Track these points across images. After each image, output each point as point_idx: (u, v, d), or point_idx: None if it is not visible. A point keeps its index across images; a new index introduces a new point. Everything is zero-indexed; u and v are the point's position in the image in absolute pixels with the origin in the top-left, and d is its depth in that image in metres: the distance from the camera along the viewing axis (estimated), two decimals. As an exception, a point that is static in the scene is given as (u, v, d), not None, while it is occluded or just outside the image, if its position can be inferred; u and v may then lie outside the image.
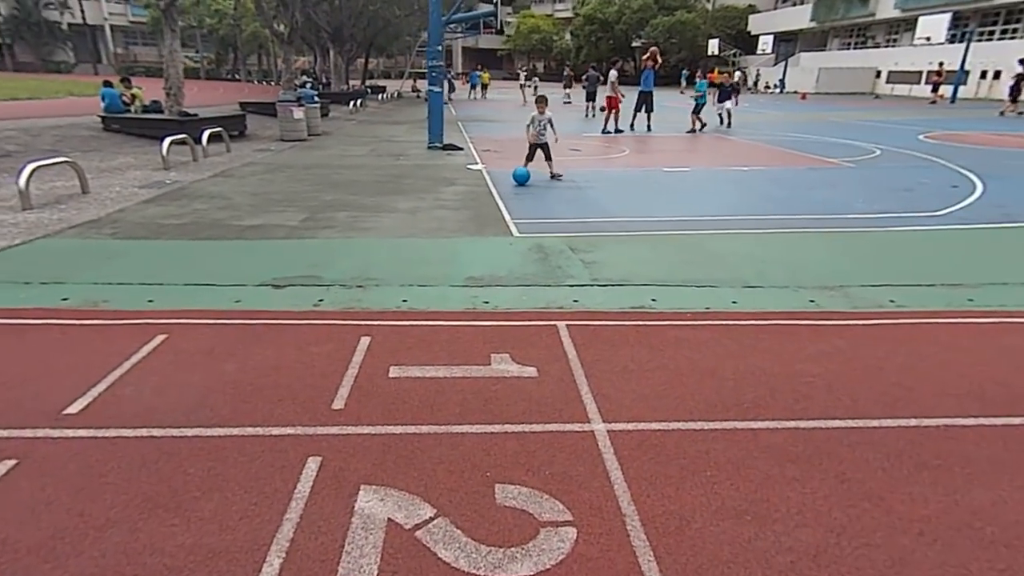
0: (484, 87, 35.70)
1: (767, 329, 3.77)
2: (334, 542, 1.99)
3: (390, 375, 3.10)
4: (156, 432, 2.55)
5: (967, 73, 31.06)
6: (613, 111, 15.49)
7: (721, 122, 17.26)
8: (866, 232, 6.20)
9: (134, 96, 13.07)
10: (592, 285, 4.54)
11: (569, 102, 27.98)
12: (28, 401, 2.78)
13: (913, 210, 7.12)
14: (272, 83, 41.93)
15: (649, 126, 16.20)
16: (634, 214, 7.00)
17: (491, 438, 2.59)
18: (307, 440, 2.53)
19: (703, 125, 16.20)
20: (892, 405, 2.88)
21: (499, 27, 15.22)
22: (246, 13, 42.05)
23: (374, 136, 15.28)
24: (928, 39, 32.79)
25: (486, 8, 15.31)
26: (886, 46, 42.96)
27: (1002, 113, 21.02)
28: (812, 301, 4.27)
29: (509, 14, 32.88)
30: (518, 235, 5.96)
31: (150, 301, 4.04)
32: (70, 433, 2.54)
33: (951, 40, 32.65)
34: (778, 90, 45.26)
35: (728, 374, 3.17)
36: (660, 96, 18.73)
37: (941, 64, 30.05)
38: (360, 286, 4.43)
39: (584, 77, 21.22)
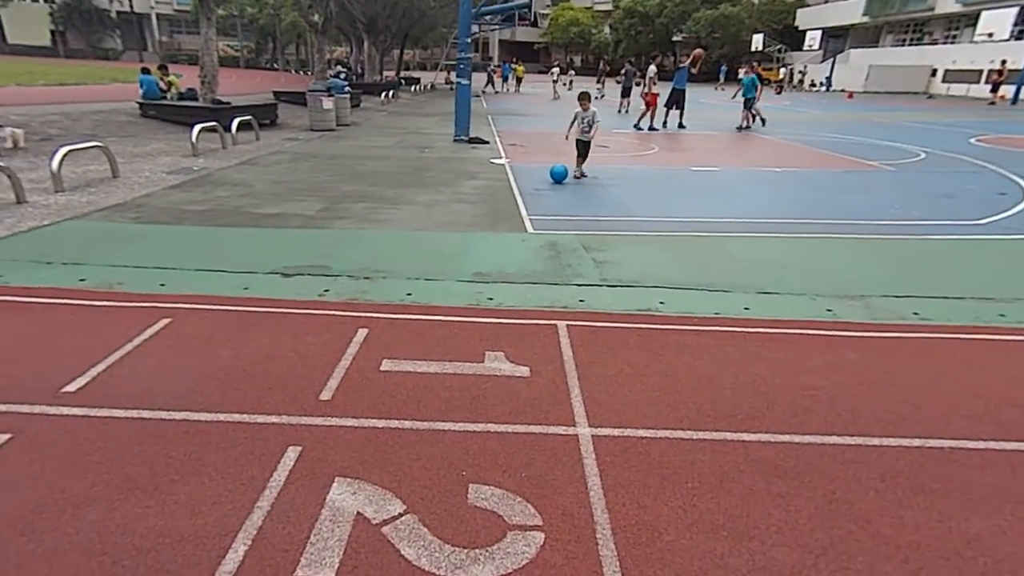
0: (518, 80, 35.41)
1: (775, 338, 3.64)
2: (300, 533, 2.00)
3: (382, 368, 3.10)
4: (146, 414, 2.61)
5: (1032, 72, 29.45)
6: (651, 108, 15.34)
7: (753, 120, 16.96)
8: (897, 240, 5.94)
9: (170, 83, 13.42)
10: (601, 285, 4.47)
11: (600, 97, 27.65)
12: (30, 378, 2.87)
13: (952, 218, 6.79)
14: (309, 73, 42.58)
15: (681, 123, 15.93)
16: (654, 214, 6.86)
17: (472, 437, 2.57)
18: (290, 429, 2.55)
19: (754, 120, 15.99)
20: (896, 423, 2.74)
21: (532, 19, 15.10)
22: (285, 3, 42.71)
23: (402, 128, 15.38)
24: (990, 35, 31.13)
25: (519, 0, 15.23)
26: (944, 43, 41.06)
27: None
28: (829, 310, 4.10)
29: (547, 6, 32.47)
30: (532, 232, 5.90)
31: (162, 285, 4.14)
32: (65, 411, 2.62)
33: (1017, 36, 30.89)
34: (824, 88, 43.85)
35: (727, 383, 3.07)
36: (696, 93, 18.36)
37: (1004, 62, 28.38)
38: (367, 278, 4.46)
39: (622, 72, 20.89)
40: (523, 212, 6.63)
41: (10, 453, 2.35)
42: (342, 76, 20.89)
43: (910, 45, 44.60)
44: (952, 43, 39.97)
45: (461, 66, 12.51)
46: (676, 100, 15.71)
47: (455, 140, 12.57)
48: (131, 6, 52.66)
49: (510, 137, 13.61)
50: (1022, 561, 1.99)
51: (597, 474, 2.35)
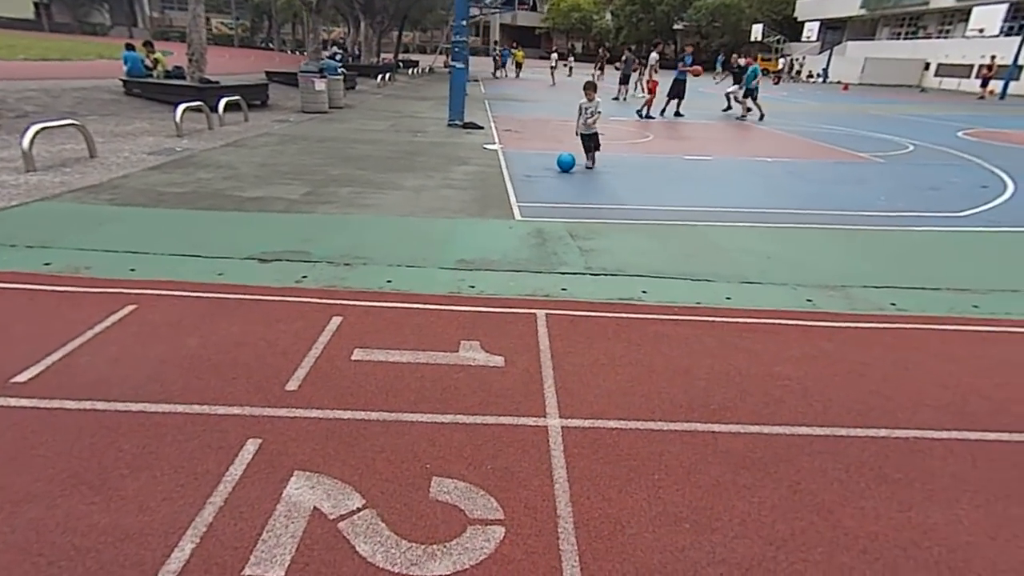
0: (518, 65, 34.83)
1: (753, 328, 3.60)
2: (252, 529, 1.94)
3: (352, 358, 3.04)
4: (100, 405, 2.53)
5: (1020, 68, 29.45)
6: (651, 96, 15.31)
7: (729, 107, 17.16)
8: (881, 231, 5.91)
9: (156, 61, 13.10)
10: (584, 274, 4.41)
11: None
12: (-22, 368, 2.77)
13: (935, 210, 6.77)
14: (304, 53, 41.92)
15: (678, 112, 15.84)
16: (645, 202, 6.79)
17: (440, 428, 2.52)
18: (251, 421, 2.48)
19: (748, 112, 16.01)
20: (865, 414, 2.72)
21: (532, 4, 14.94)
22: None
23: (396, 111, 15.17)
24: (981, 31, 31.15)
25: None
26: (937, 37, 40.97)
27: None
28: (809, 300, 4.08)
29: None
30: (520, 219, 5.83)
31: (132, 270, 4.04)
32: (13, 402, 2.52)
33: (1007, 32, 30.92)
34: (821, 79, 43.68)
35: (701, 373, 3.03)
36: (695, 83, 18.22)
37: (993, 58, 28.54)
38: (347, 264, 4.38)
39: (623, 59, 20.67)
40: (512, 199, 6.54)
41: (-45, 444, 2.27)
42: (337, 57, 20.58)
43: (905, 39, 44.47)
44: (945, 38, 39.88)
45: (456, 49, 12.31)
46: (678, 91, 15.71)
47: (449, 125, 12.41)
48: (120, -21, 51.62)
49: (505, 123, 13.45)
50: (976, 550, 1.99)
51: (564, 466, 2.31)
